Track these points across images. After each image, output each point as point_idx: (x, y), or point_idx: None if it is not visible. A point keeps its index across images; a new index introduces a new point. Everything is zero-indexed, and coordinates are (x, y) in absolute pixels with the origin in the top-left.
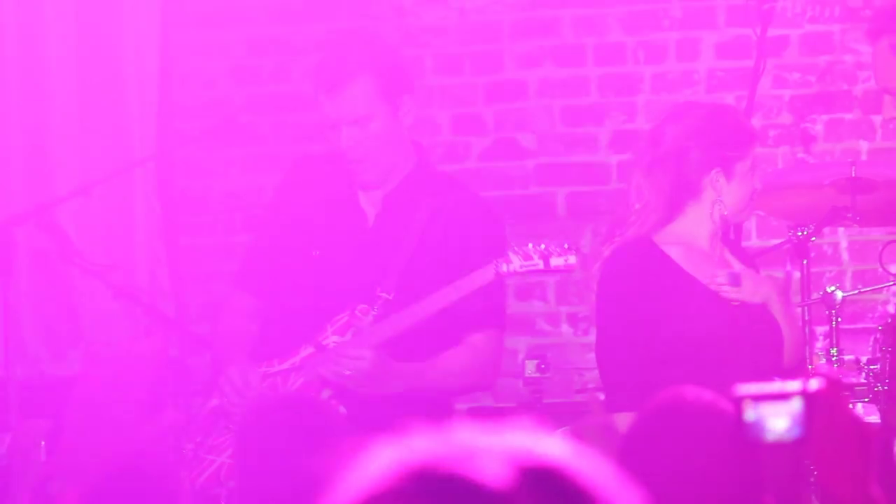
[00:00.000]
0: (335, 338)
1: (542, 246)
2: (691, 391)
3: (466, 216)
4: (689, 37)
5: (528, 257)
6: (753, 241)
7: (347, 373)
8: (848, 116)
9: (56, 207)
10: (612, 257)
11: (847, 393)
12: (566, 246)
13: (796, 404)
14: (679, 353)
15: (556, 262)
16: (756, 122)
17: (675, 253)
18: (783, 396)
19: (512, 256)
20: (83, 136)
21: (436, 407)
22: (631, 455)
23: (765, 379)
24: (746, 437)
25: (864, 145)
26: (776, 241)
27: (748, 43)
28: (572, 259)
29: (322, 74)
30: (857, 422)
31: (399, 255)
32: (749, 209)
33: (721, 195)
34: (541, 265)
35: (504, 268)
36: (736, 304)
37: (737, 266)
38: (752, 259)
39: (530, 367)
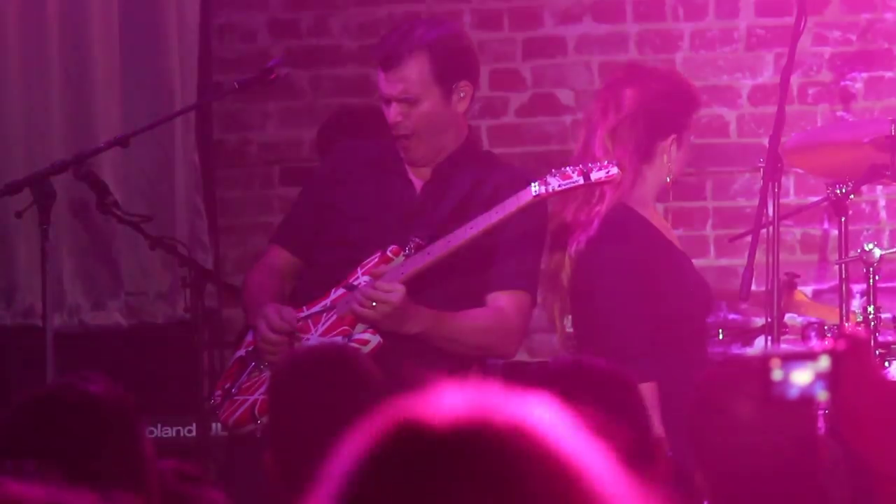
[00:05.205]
0: (366, 278)
1: (580, 165)
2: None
3: (508, 186)
4: None
5: (566, 177)
6: (791, 199)
7: (378, 305)
8: (888, 74)
9: (96, 157)
10: (602, 229)
11: (875, 353)
12: (605, 162)
13: (823, 363)
14: (683, 315)
15: (597, 175)
16: (796, 79)
17: (649, 217)
18: (810, 355)
19: (550, 179)
20: (124, 87)
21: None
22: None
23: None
24: (774, 396)
25: None
26: (814, 199)
27: (788, 0)
28: (614, 170)
29: (381, 49)
30: (885, 382)
31: (438, 213)
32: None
33: (671, 161)
34: (581, 181)
35: (542, 189)
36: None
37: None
38: None
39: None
